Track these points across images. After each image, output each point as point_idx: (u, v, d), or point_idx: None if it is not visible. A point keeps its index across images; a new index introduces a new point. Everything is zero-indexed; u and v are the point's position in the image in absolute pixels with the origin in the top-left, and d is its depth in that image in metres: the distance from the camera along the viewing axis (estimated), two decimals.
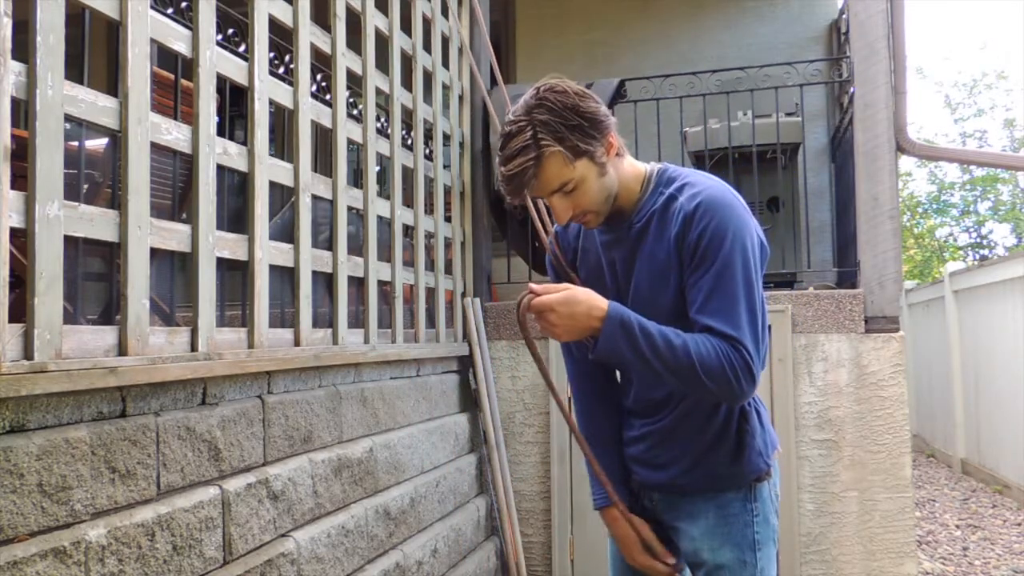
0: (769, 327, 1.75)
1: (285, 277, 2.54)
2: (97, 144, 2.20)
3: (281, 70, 2.72)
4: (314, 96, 2.68)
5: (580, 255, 1.80)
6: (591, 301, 1.55)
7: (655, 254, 1.62)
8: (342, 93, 2.84)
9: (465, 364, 3.89)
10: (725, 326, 1.51)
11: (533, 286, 1.58)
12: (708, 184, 1.60)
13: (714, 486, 1.70)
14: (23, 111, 1.57)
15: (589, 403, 1.88)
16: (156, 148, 1.91)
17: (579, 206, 1.61)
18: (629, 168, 1.67)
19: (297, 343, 2.48)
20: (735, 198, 1.59)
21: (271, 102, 2.40)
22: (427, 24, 3.69)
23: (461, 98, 4.08)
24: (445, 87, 3.89)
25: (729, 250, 1.52)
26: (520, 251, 4.49)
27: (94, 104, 1.72)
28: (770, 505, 1.73)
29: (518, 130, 1.54)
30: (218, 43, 2.17)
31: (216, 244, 2.10)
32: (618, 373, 1.88)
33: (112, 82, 1.86)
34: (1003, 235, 16.26)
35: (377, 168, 3.20)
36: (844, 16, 4.97)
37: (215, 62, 2.13)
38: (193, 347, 2.00)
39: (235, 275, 2.48)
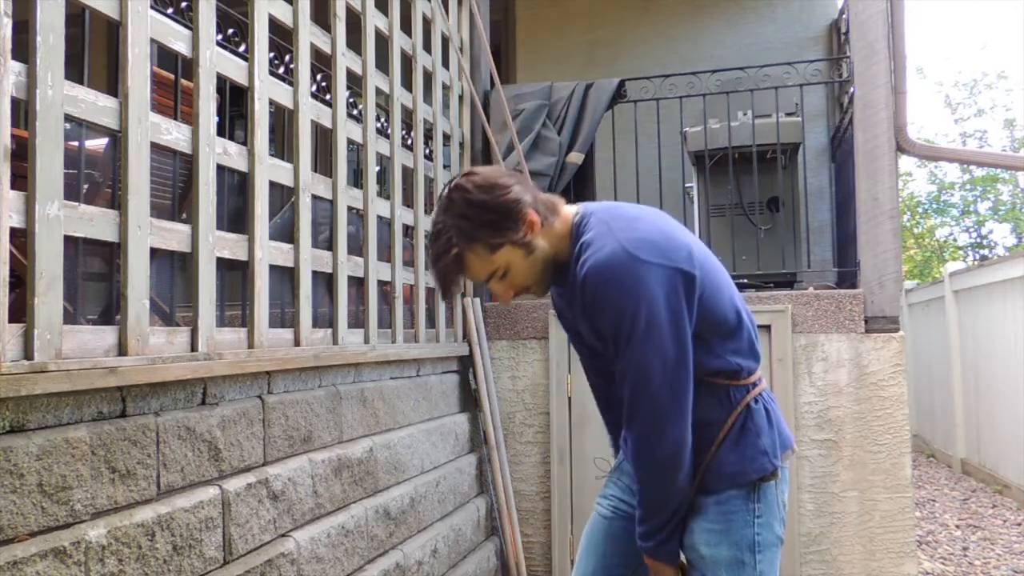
0: (748, 330, 1.75)
1: (285, 277, 2.54)
2: (97, 144, 2.20)
3: (281, 70, 2.72)
4: (314, 96, 2.68)
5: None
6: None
7: (583, 314, 1.70)
8: (342, 93, 2.85)
9: (465, 364, 3.89)
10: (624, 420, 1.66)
11: None
12: (599, 247, 1.60)
13: (718, 486, 1.69)
14: (23, 111, 1.57)
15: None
16: (156, 148, 1.91)
17: (516, 286, 1.71)
18: (561, 227, 1.72)
19: (297, 343, 2.48)
20: (620, 260, 1.57)
21: (271, 102, 2.40)
22: (427, 24, 3.69)
23: (461, 98, 4.08)
24: (445, 87, 3.89)
25: (614, 322, 1.58)
26: None
27: (94, 104, 1.73)
28: (776, 511, 1.71)
29: (437, 233, 1.66)
30: (218, 43, 2.17)
31: (216, 244, 2.10)
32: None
33: (112, 82, 1.86)
34: (1003, 235, 16.26)
35: (377, 168, 3.20)
36: (844, 16, 4.97)
37: (215, 62, 2.13)
38: (193, 347, 2.00)
39: (235, 275, 2.48)
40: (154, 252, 1.90)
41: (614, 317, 1.57)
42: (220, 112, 2.31)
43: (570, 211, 1.75)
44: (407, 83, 3.44)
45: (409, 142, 3.50)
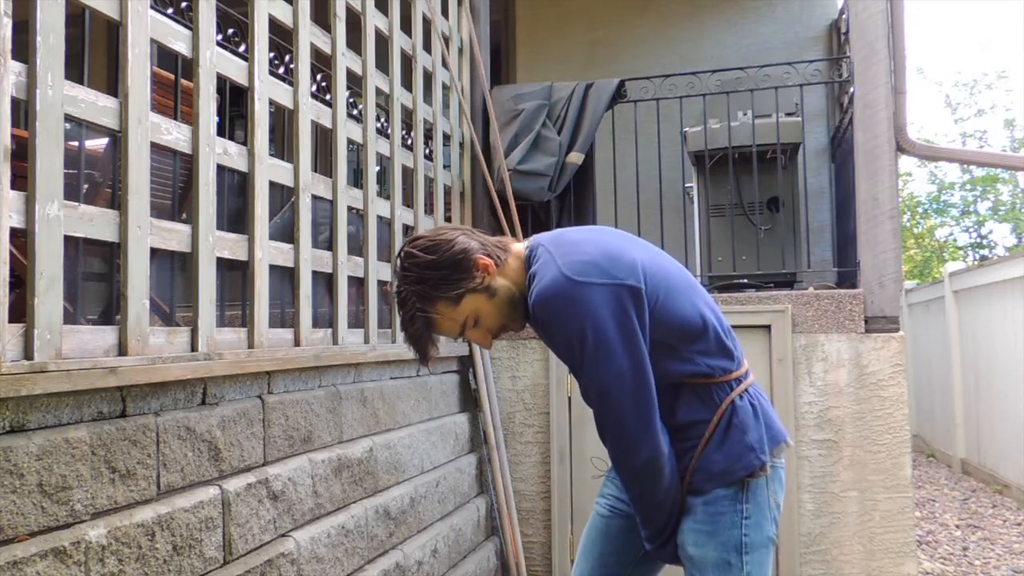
0: (722, 335, 1.76)
1: (285, 277, 2.54)
2: (97, 144, 2.20)
3: (281, 70, 2.72)
4: (314, 96, 2.68)
5: None
6: None
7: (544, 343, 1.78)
8: (342, 93, 2.84)
9: (465, 364, 3.89)
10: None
11: None
12: (541, 276, 1.65)
13: (705, 486, 1.70)
14: (23, 111, 1.57)
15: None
16: (156, 148, 1.91)
17: (491, 329, 1.76)
18: (515, 263, 1.76)
19: (297, 343, 2.48)
20: (560, 287, 1.60)
21: (271, 102, 2.40)
22: (427, 24, 3.69)
23: (461, 97, 4.08)
24: (445, 87, 3.88)
25: (565, 346, 1.63)
26: None
27: (94, 104, 1.72)
28: (766, 512, 1.70)
29: (401, 302, 1.71)
30: (218, 43, 2.17)
31: (216, 244, 2.10)
32: None
33: (112, 82, 1.86)
34: (1003, 235, 16.26)
35: (377, 168, 3.20)
36: (844, 16, 4.97)
37: (215, 62, 2.13)
38: (193, 347, 2.00)
39: (235, 275, 2.48)
40: (154, 252, 1.90)
41: (564, 342, 1.63)
42: (220, 112, 2.31)
43: (520, 247, 1.79)
44: (407, 83, 3.44)
45: (409, 142, 3.50)
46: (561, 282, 1.60)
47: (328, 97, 2.90)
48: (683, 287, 1.73)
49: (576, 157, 4.14)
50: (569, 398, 3.84)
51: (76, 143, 1.91)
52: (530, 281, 1.68)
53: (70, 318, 1.76)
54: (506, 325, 1.77)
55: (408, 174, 3.45)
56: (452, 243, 1.69)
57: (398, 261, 1.72)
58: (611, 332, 1.58)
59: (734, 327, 1.85)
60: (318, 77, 2.92)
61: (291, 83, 2.53)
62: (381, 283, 3.12)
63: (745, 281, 4.20)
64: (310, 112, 2.60)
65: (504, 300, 1.72)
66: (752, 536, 1.68)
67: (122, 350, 1.76)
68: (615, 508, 1.91)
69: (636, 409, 1.61)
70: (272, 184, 2.39)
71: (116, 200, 1.85)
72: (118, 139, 1.83)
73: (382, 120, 3.56)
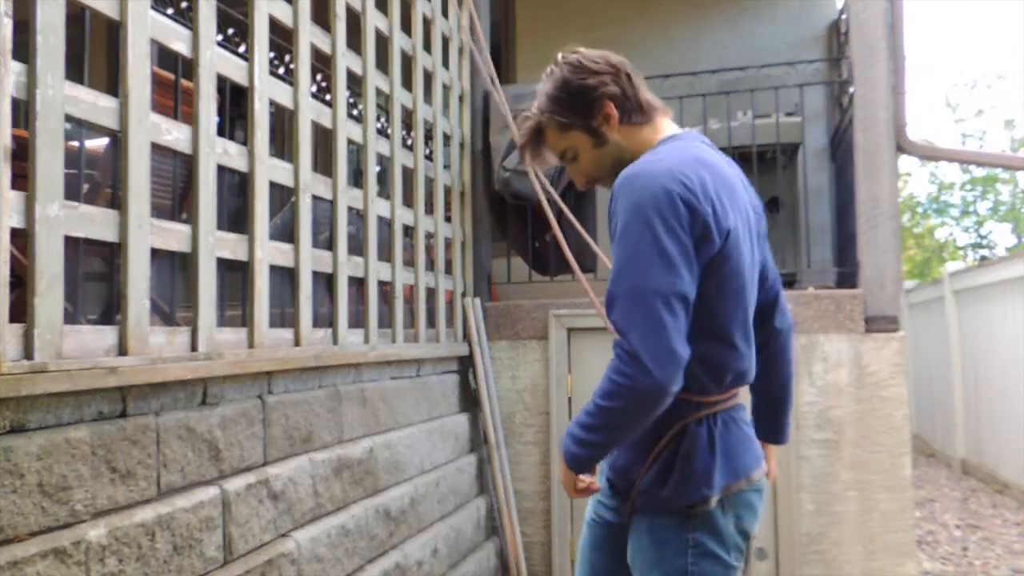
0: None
1: (285, 277, 2.54)
2: (97, 144, 2.20)
3: (281, 70, 2.72)
4: (314, 96, 2.68)
5: None
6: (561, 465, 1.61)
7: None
8: (342, 93, 2.84)
9: (465, 364, 3.89)
10: (613, 322, 1.45)
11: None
12: (656, 160, 1.52)
13: (647, 509, 1.59)
14: (23, 111, 1.57)
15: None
16: (156, 148, 1.92)
17: (584, 173, 1.70)
18: (649, 135, 1.65)
19: (297, 343, 2.48)
20: (651, 169, 1.49)
21: (271, 102, 2.40)
22: (427, 24, 3.69)
23: (461, 98, 4.08)
24: (445, 87, 3.89)
25: (624, 225, 1.46)
26: (520, 251, 4.49)
27: (94, 104, 1.73)
28: (725, 538, 1.56)
29: (531, 94, 1.70)
30: (218, 43, 2.17)
31: (216, 244, 2.10)
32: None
33: (112, 82, 1.86)
34: (1003, 235, 16.29)
35: (377, 168, 3.20)
36: (844, 16, 4.97)
37: (215, 62, 2.13)
38: (193, 347, 2.00)
39: (235, 275, 2.48)
40: (154, 252, 1.90)
41: (627, 217, 1.45)
42: (220, 112, 2.31)
43: (670, 125, 1.68)
44: (407, 83, 3.44)
45: (409, 142, 3.50)
46: (664, 176, 1.46)
47: (328, 97, 2.90)
48: (736, 302, 1.59)
49: None
50: (569, 398, 3.84)
51: (76, 143, 1.91)
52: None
53: (70, 318, 1.76)
54: (600, 179, 1.68)
55: (408, 174, 3.45)
56: (591, 75, 1.62)
57: (555, 59, 1.68)
58: (672, 248, 1.42)
59: None
60: (318, 77, 2.92)
61: (291, 83, 2.53)
62: (381, 283, 3.12)
63: None
64: (310, 112, 2.60)
65: (608, 155, 1.64)
66: (701, 566, 1.55)
67: (122, 350, 1.77)
68: (597, 514, 1.83)
69: (670, 324, 1.39)
70: (272, 184, 2.39)
71: (116, 200, 1.85)
72: (118, 139, 1.83)
73: (382, 120, 3.56)
